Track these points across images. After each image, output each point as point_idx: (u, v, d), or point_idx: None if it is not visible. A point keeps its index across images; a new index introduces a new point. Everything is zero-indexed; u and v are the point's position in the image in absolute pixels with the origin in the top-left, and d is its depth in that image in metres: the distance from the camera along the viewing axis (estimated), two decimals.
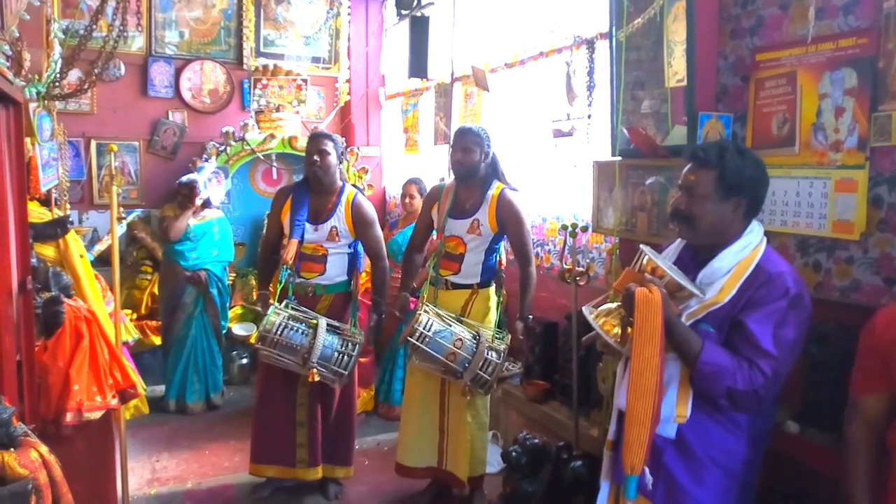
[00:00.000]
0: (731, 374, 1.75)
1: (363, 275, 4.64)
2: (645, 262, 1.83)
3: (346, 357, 3.21)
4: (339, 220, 3.36)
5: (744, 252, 1.85)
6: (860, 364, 1.82)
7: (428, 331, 3.02)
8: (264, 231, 3.67)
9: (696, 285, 1.85)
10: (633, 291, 1.76)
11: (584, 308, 1.98)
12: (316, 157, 3.29)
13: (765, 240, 1.90)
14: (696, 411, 1.84)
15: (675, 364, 1.84)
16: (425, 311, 3.10)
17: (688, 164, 1.92)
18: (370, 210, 3.45)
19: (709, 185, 1.84)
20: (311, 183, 3.37)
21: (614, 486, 2.07)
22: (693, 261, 1.95)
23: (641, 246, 1.91)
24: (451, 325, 3.11)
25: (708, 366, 1.76)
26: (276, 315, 3.14)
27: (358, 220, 3.38)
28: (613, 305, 1.90)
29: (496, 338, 3.21)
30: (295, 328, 3.15)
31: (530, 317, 3.30)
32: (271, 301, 3.35)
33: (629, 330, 1.80)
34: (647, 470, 1.77)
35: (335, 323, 3.31)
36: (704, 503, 1.87)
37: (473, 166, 3.17)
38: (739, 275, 1.82)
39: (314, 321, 3.21)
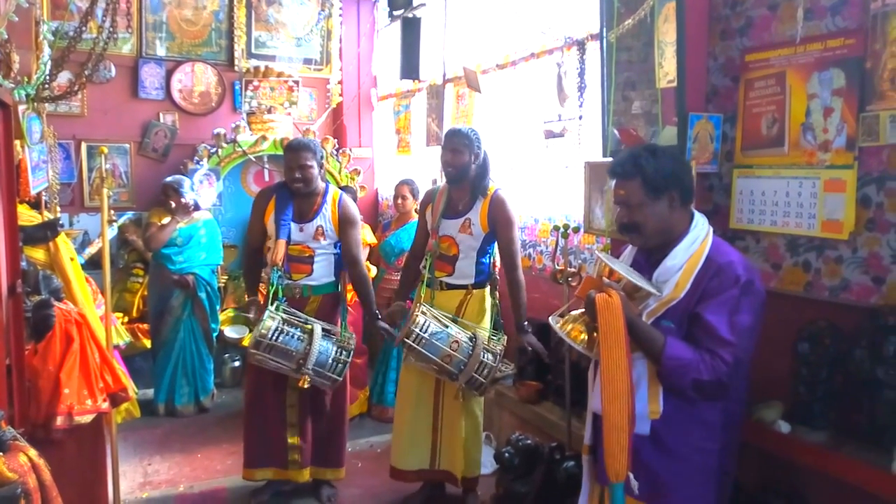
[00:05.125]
0: (694, 366, 1.80)
1: None
2: (601, 267, 1.91)
3: (340, 364, 3.21)
4: (325, 219, 3.35)
5: (693, 247, 1.91)
6: None
7: (424, 332, 3.02)
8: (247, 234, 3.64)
9: (652, 284, 1.90)
10: (593, 298, 1.81)
11: (550, 318, 2.03)
12: (297, 174, 3.25)
13: (711, 231, 1.97)
14: (669, 407, 1.89)
15: (642, 362, 1.88)
16: (422, 313, 3.08)
17: (612, 180, 2.00)
18: (355, 211, 3.45)
19: (637, 192, 1.92)
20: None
21: (597, 487, 2.10)
22: (647, 262, 2.01)
23: (596, 252, 2.01)
24: (447, 327, 3.10)
25: (672, 360, 1.81)
26: (272, 320, 3.12)
27: (343, 220, 3.37)
28: (578, 312, 1.94)
29: (492, 338, 3.21)
30: (290, 333, 3.13)
31: (526, 322, 3.26)
32: (261, 304, 3.35)
33: (595, 335, 1.84)
34: (631, 476, 1.83)
35: (327, 327, 3.30)
36: (688, 497, 1.91)
37: (462, 167, 3.16)
38: (691, 269, 1.88)
39: (309, 326, 3.20)
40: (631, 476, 1.82)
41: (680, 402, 1.88)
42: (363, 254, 3.52)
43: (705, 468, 1.92)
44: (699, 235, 1.93)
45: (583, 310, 1.91)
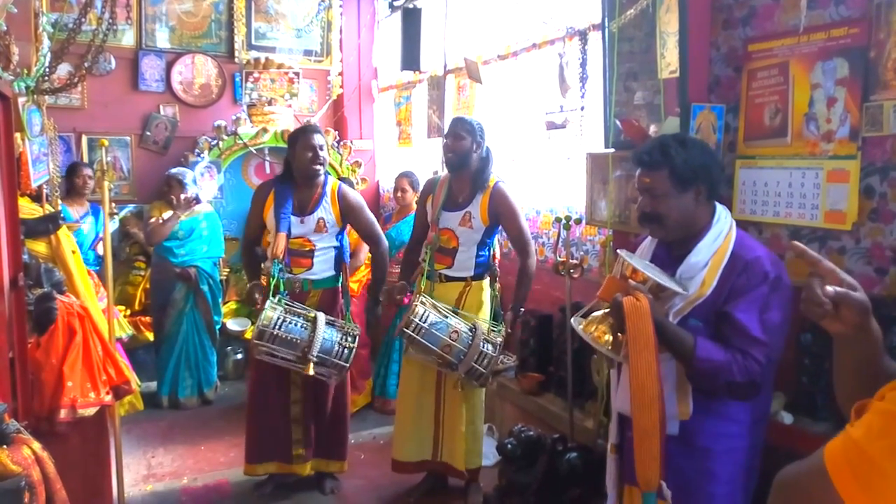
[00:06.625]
0: (727, 367, 1.75)
1: (362, 268, 4.64)
2: (624, 267, 1.83)
3: (346, 350, 3.18)
4: (326, 210, 3.33)
5: (717, 242, 1.86)
6: None
7: (424, 322, 3.02)
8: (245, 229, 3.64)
9: (677, 282, 1.85)
10: (620, 302, 1.74)
11: (572, 320, 1.97)
12: (311, 154, 3.25)
13: (734, 225, 1.92)
14: (697, 406, 1.85)
15: (668, 363, 1.83)
16: (422, 303, 3.09)
17: (637, 168, 1.94)
18: (357, 196, 3.44)
19: (664, 182, 1.86)
20: (300, 177, 3.32)
21: (623, 488, 2.05)
22: (669, 256, 1.96)
23: (619, 251, 1.92)
24: (447, 317, 3.11)
25: (704, 362, 1.76)
26: (273, 310, 3.10)
27: (347, 209, 3.36)
28: (601, 313, 1.88)
29: (493, 330, 3.21)
30: (293, 322, 3.11)
31: (522, 309, 3.28)
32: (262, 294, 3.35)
33: (620, 336, 1.79)
34: (664, 484, 1.76)
35: (330, 317, 3.28)
36: (714, 495, 1.88)
37: (463, 153, 3.15)
38: (717, 265, 1.83)
39: (311, 315, 3.18)
40: (664, 484, 1.76)
41: (709, 401, 1.85)
42: (381, 232, 3.51)
43: (734, 466, 1.89)
44: (723, 230, 1.88)
45: (606, 311, 1.86)
